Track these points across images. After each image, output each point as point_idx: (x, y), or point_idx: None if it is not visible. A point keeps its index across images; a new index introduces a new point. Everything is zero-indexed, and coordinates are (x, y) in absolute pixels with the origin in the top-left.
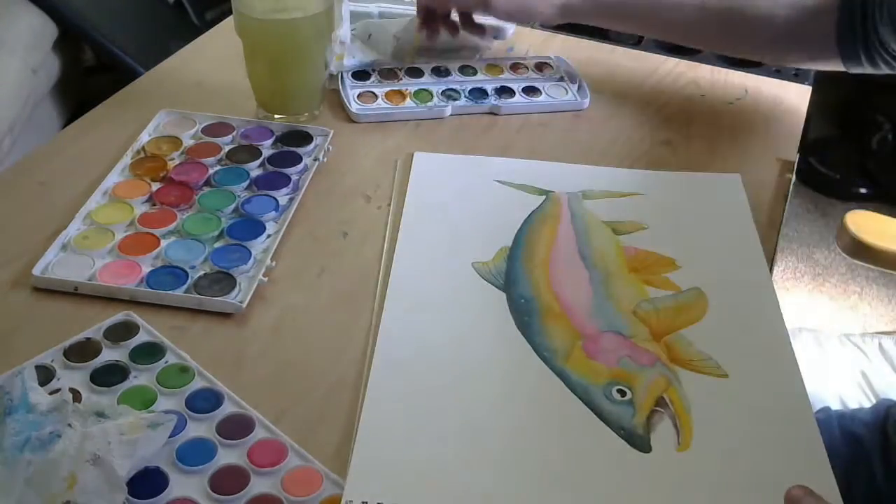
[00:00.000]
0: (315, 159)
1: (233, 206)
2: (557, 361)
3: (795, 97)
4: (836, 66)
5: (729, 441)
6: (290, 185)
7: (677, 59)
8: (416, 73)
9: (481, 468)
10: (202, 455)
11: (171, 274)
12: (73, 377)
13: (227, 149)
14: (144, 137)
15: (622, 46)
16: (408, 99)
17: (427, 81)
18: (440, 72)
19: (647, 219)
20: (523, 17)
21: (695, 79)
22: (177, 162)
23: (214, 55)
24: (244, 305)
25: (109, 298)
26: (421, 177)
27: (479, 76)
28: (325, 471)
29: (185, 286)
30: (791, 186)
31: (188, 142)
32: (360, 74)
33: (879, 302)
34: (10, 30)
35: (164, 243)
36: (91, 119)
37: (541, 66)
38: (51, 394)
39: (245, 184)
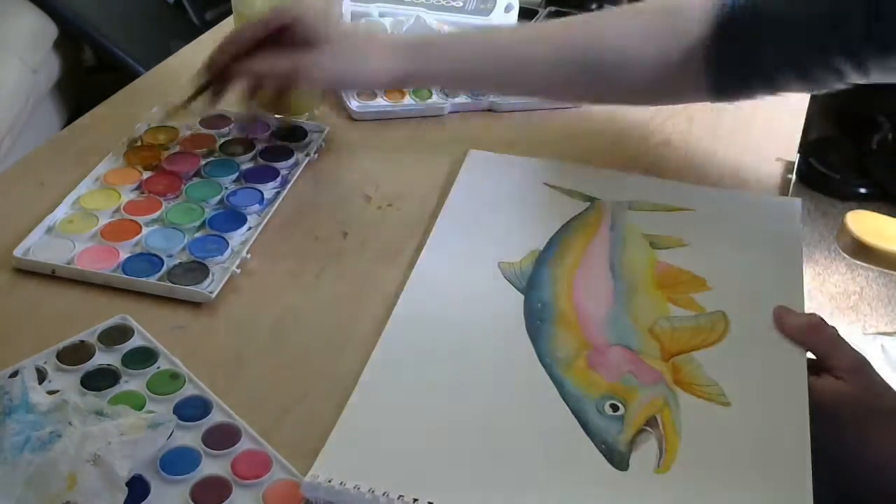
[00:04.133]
0: (306, 155)
1: (218, 198)
2: (558, 369)
3: (795, 97)
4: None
5: (711, 470)
6: (279, 179)
7: None
8: None
9: (455, 462)
10: (186, 464)
11: (147, 261)
12: (63, 380)
13: (221, 141)
14: (143, 127)
15: None
16: (407, 96)
17: None
18: None
19: (691, 236)
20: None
21: None
22: (171, 152)
23: None
24: (213, 295)
25: (106, 289)
26: (471, 174)
27: None
28: None
29: (158, 274)
30: (791, 186)
31: (185, 132)
32: None
33: (879, 302)
34: (10, 30)
35: (145, 231)
36: (91, 119)
37: None
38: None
39: (234, 176)
